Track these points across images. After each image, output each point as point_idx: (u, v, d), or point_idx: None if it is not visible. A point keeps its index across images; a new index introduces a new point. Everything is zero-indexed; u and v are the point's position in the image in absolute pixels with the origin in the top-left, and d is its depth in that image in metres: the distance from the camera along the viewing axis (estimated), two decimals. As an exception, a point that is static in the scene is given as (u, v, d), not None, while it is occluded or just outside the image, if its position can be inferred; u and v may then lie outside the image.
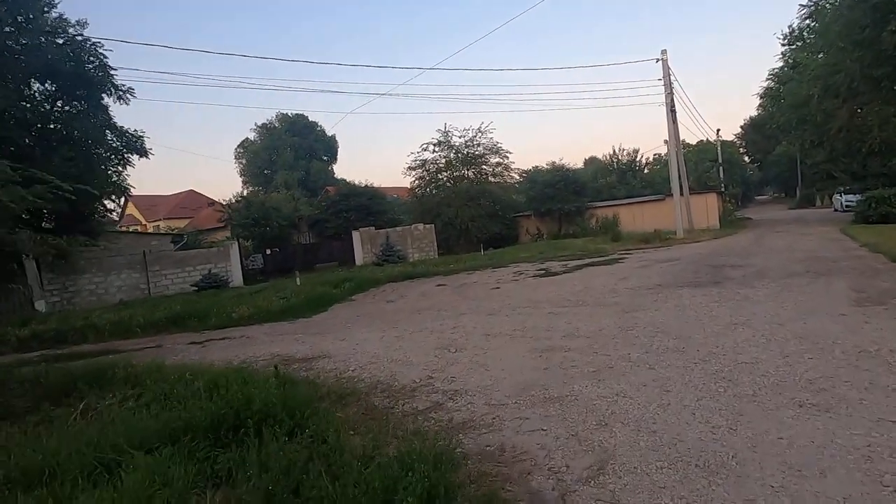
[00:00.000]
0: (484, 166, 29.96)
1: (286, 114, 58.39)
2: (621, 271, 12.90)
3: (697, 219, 24.83)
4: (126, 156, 19.63)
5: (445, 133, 29.50)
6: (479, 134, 29.51)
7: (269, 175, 55.03)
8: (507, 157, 30.19)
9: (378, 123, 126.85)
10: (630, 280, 11.10)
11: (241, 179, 59.82)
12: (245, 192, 47.45)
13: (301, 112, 58.29)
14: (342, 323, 9.48)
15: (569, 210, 27.93)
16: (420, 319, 9.00)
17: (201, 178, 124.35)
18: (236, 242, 20.77)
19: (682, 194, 22.95)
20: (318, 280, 15.63)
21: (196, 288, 17.35)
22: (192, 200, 52.28)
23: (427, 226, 24.14)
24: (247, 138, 60.61)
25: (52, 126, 15.82)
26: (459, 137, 29.67)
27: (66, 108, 16.10)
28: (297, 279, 14.46)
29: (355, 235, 23.75)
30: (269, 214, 26.03)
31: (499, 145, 29.90)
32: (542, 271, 14.70)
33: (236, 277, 20.41)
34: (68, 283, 16.66)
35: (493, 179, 30.44)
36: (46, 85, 16.15)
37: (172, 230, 42.37)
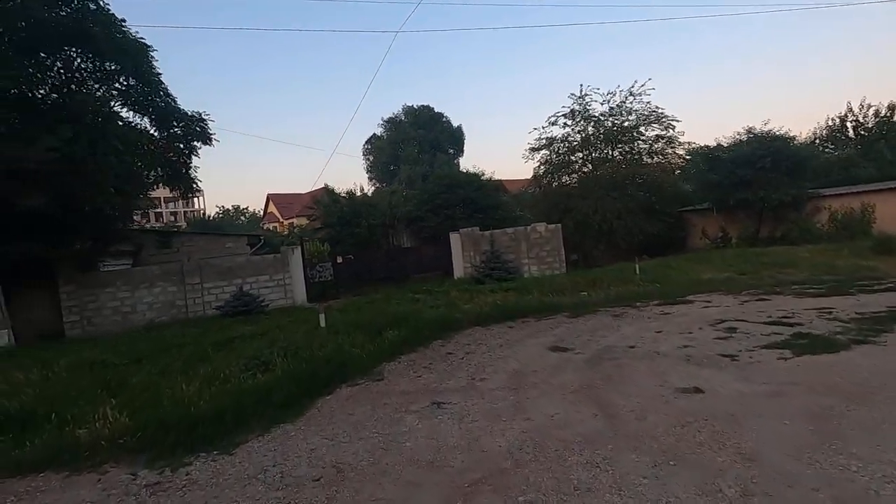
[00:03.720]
0: (638, 141, 21.41)
1: (411, 106, 55.48)
2: None
3: None
4: (192, 143, 16.59)
5: (581, 98, 21.43)
6: (631, 97, 21.05)
7: (395, 171, 52.79)
8: (673, 128, 21.14)
9: (506, 107, 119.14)
10: None
11: (366, 176, 58.65)
12: (369, 189, 44.93)
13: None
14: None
15: (778, 201, 18.08)
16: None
17: (343, 176, 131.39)
18: (298, 248, 16.17)
19: None
20: (360, 316, 9.80)
21: (220, 312, 12.90)
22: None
23: (551, 226, 16.91)
24: (374, 134, 59.23)
25: (60, 100, 12.56)
26: (602, 104, 21.57)
27: (69, 76, 12.70)
28: (322, 318, 8.82)
29: (453, 238, 17.65)
30: (359, 213, 21.42)
31: (659, 111, 20.93)
32: (787, 328, 6.82)
33: (298, 293, 15.76)
34: (87, 300, 13.40)
35: (648, 160, 21.71)
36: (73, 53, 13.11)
37: (293, 228, 41.45)
